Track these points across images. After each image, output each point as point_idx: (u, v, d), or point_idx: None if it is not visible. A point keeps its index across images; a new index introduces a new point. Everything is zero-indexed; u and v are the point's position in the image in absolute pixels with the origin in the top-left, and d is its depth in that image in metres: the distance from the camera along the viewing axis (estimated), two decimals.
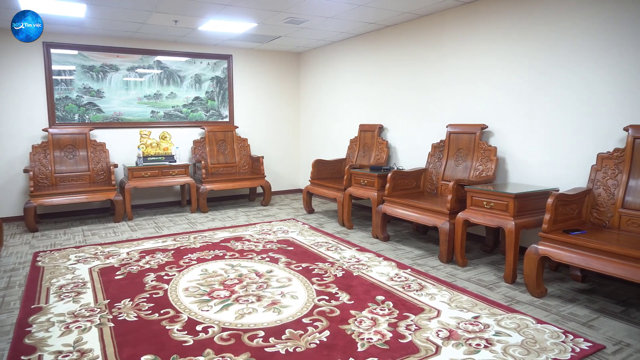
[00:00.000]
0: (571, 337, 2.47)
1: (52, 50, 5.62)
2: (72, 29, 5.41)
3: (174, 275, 3.54)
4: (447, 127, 4.55)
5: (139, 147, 5.89)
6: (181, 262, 3.85)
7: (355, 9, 4.59)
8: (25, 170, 5.12)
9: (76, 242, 4.58)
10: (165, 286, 3.30)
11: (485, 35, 4.24)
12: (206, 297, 3.08)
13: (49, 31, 5.43)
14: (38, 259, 4.00)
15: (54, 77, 5.67)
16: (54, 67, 5.66)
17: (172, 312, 2.84)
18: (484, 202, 3.51)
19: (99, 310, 2.89)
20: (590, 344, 2.39)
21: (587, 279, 3.38)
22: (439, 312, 2.81)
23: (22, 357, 2.31)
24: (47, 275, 3.55)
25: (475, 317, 2.73)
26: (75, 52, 5.77)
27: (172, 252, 4.17)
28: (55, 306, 2.96)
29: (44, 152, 5.52)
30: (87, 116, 5.92)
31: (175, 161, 6.01)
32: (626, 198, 3.07)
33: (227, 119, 6.96)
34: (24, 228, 5.22)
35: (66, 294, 3.16)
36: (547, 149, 3.77)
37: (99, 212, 6.07)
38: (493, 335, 2.50)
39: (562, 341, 2.42)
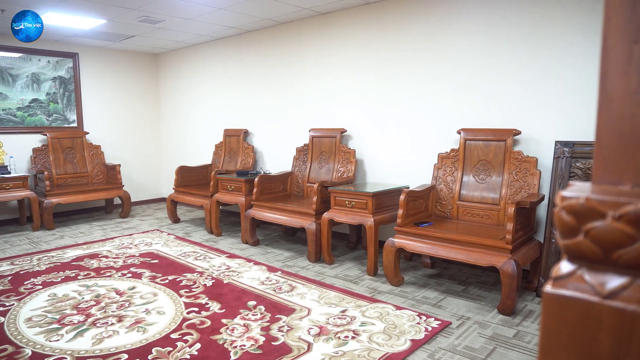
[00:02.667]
0: (424, 318, 2.77)
1: None
2: None
3: (12, 304, 3.05)
4: (309, 131, 4.73)
5: None
6: (22, 289, 3.34)
7: (215, 11, 4.51)
8: None
9: None
10: (1, 319, 2.82)
11: (340, 44, 4.52)
12: (55, 325, 2.72)
13: None
14: None
15: None
16: None
17: (10, 349, 2.45)
18: (346, 202, 3.74)
19: None
20: (439, 322, 2.71)
21: (436, 265, 3.83)
22: (309, 310, 2.91)
23: None
24: None
25: (343, 311, 2.88)
26: None
27: (10, 277, 3.59)
28: None
29: None
30: None
31: (9, 173, 5.19)
32: (462, 192, 3.55)
33: (74, 124, 6.24)
34: None
35: None
36: (398, 150, 4.18)
37: None
38: (359, 326, 2.67)
39: (417, 323, 2.70)
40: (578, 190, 0.51)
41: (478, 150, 3.52)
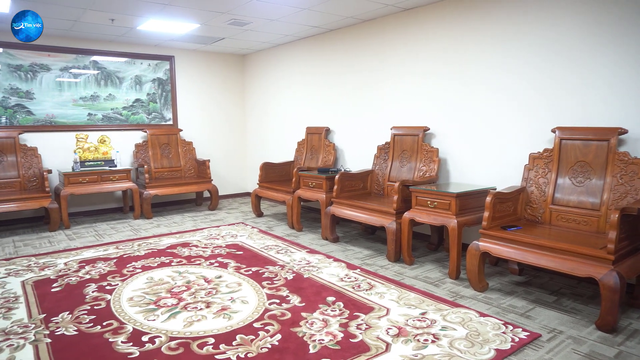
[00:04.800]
0: (511, 327, 2.62)
1: None
2: None
3: (117, 285, 3.38)
4: (391, 129, 4.67)
5: (75, 152, 5.57)
6: (125, 271, 3.69)
7: (299, 12, 4.61)
8: None
9: (6, 254, 4.26)
10: (108, 297, 3.14)
11: (426, 40, 4.40)
12: (152, 306, 2.97)
13: None
14: None
15: None
16: None
17: (115, 324, 2.71)
18: (428, 202, 3.64)
19: (33, 326, 2.71)
20: (527, 333, 2.55)
21: (524, 272, 3.60)
22: (388, 310, 2.88)
23: None
24: None
25: (423, 313, 2.82)
26: (0, 49, 5.37)
27: (115, 260, 3.98)
28: None
29: None
30: (15, 119, 5.53)
31: (115, 166, 5.74)
32: (555, 195, 3.30)
33: (170, 122, 6.75)
34: None
35: None
36: (485, 149, 3.98)
37: (31, 221, 5.68)
38: (440, 330, 2.60)
39: (503, 332, 2.56)
40: None
41: (576, 150, 3.24)
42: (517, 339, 2.47)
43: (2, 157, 5.29)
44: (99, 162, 5.63)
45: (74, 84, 5.89)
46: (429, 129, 4.38)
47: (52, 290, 3.29)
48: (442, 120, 4.32)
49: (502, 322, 2.69)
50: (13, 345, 2.47)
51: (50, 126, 5.76)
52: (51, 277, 3.56)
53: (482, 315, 2.79)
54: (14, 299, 3.13)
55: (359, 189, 4.66)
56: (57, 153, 5.78)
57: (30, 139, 5.61)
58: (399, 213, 3.86)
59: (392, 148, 4.63)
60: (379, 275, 3.56)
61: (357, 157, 5.35)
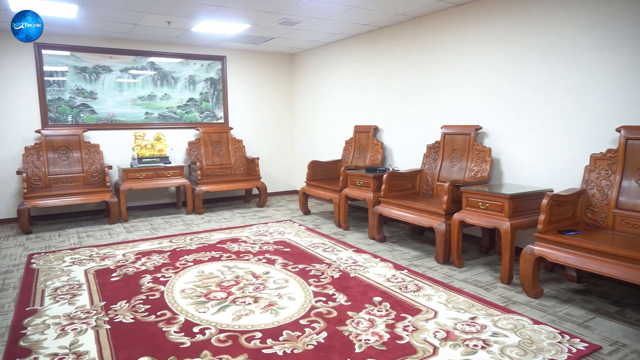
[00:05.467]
0: (567, 337, 2.49)
1: (44, 51, 5.58)
2: (63, 30, 5.37)
3: (170, 276, 3.52)
4: (441, 128, 4.57)
5: (133, 149, 5.86)
6: (177, 264, 3.84)
7: (349, 10, 4.60)
8: (19, 172, 5.08)
9: (71, 244, 4.55)
10: (162, 288, 3.28)
11: (478, 37, 4.26)
12: (203, 299, 3.07)
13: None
14: (32, 261, 3.97)
15: (45, 79, 5.63)
16: (46, 68, 5.61)
17: (168, 314, 2.83)
18: (480, 203, 3.53)
19: (95, 312, 2.87)
20: (586, 345, 2.41)
21: (583, 279, 3.41)
22: (436, 313, 2.82)
23: None
24: (42, 278, 3.52)
25: (472, 318, 2.74)
26: (67, 53, 5.73)
27: (168, 253, 4.15)
28: (51, 308, 2.93)
29: (37, 153, 5.47)
30: (80, 117, 5.88)
31: (170, 162, 5.98)
32: (620, 198, 3.10)
33: (221, 120, 6.94)
34: (17, 230, 5.18)
35: (61, 296, 3.14)
36: (541, 149, 3.80)
37: (93, 213, 6.03)
38: (490, 336, 2.51)
39: (559, 342, 2.44)
40: None
41: None
42: (574, 350, 2.35)
43: (68, 153, 5.65)
44: (154, 159, 5.88)
45: (132, 84, 6.19)
46: (481, 128, 4.24)
47: (112, 279, 3.48)
48: (496, 118, 4.17)
49: (558, 331, 2.56)
50: (77, 329, 2.63)
51: (111, 124, 6.09)
52: (111, 267, 3.76)
53: (536, 322, 2.67)
54: (77, 286, 3.34)
55: (407, 188, 4.59)
56: (116, 150, 6.11)
57: (93, 137, 5.96)
58: (449, 214, 3.77)
59: (442, 147, 4.53)
60: (426, 277, 3.49)
61: (405, 157, 5.27)
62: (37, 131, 5.53)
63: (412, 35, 5.03)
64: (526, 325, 2.63)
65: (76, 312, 2.88)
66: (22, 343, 2.47)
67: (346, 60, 6.19)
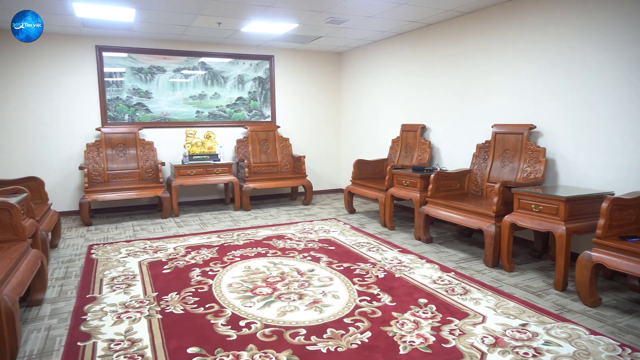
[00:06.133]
0: (629, 350, 2.34)
1: (104, 54, 5.90)
2: (122, 33, 5.65)
3: (218, 271, 3.63)
4: (492, 127, 4.42)
5: (184, 146, 6.07)
6: (225, 259, 3.94)
7: (397, 7, 4.54)
8: (81, 168, 5.40)
9: (126, 237, 4.79)
10: (210, 281, 3.39)
11: (533, 32, 4.08)
12: (249, 294, 3.14)
13: (101, 35, 5.70)
14: (92, 251, 4.21)
15: (105, 79, 5.95)
16: (106, 70, 5.93)
17: (216, 307, 2.92)
18: (533, 205, 3.38)
19: (147, 302, 3.01)
20: None
21: None
22: (484, 317, 2.74)
23: (79, 343, 2.44)
24: (100, 267, 3.73)
25: (523, 325, 2.63)
26: (125, 54, 6.02)
27: (217, 248, 4.27)
28: (108, 296, 3.10)
29: (97, 150, 5.79)
30: (136, 116, 6.17)
31: (219, 160, 6.15)
32: None
33: (269, 119, 7.06)
34: (79, 222, 5.51)
35: (117, 286, 3.31)
36: (603, 150, 3.59)
37: (147, 208, 6.31)
38: (542, 344, 2.41)
39: (619, 354, 2.30)
40: None
41: None
42: None
43: (125, 150, 5.94)
44: (204, 156, 6.07)
45: (184, 83, 6.41)
46: (534, 127, 4.06)
47: (164, 271, 3.62)
48: (551, 117, 3.98)
49: (618, 343, 2.41)
50: (131, 317, 2.76)
51: (164, 123, 6.34)
52: (162, 260, 3.92)
53: (593, 333, 2.53)
54: (132, 276, 3.51)
55: (455, 189, 4.48)
56: (169, 147, 6.36)
57: (147, 134, 6.23)
58: (499, 216, 3.64)
59: (493, 147, 4.38)
60: (474, 280, 3.39)
61: (453, 156, 5.14)
62: (98, 129, 5.86)
63: (463, 31, 4.89)
64: (582, 335, 2.50)
65: (131, 301, 3.03)
66: (82, 328, 2.63)
67: (393, 58, 6.11)
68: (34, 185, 4.30)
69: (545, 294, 3.15)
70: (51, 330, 2.64)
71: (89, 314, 2.82)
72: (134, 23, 5.11)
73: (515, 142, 4.17)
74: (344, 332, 2.56)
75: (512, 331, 2.55)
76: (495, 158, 4.34)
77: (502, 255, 3.60)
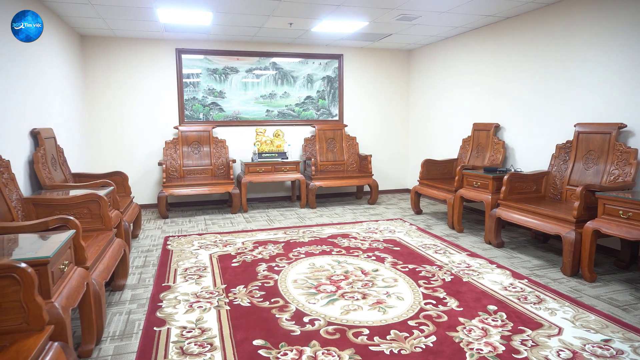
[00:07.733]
0: None
1: (183, 56, 6.24)
2: (199, 36, 5.94)
3: (284, 266, 3.71)
4: (575, 126, 4.11)
5: (254, 144, 6.27)
6: (290, 255, 4.02)
7: (472, 1, 4.36)
8: (160, 163, 5.76)
9: (199, 230, 5.04)
10: (276, 276, 3.47)
11: (622, 24, 3.73)
12: (313, 290, 3.17)
13: (180, 38, 6.04)
14: (168, 243, 4.48)
15: (183, 80, 6.29)
16: (184, 71, 6.27)
17: (281, 302, 2.98)
18: (620, 211, 3.11)
19: (217, 293, 3.15)
20: None
21: None
22: (560, 329, 2.56)
23: (155, 328, 2.61)
24: (175, 258, 3.96)
25: (606, 341, 2.43)
26: (202, 56, 6.33)
27: (283, 244, 4.37)
28: (181, 286, 3.29)
29: (174, 147, 6.15)
30: (210, 115, 6.47)
31: (287, 158, 6.28)
32: None
33: (336, 118, 7.09)
34: (157, 214, 5.88)
35: (190, 276, 3.49)
36: None
37: (218, 203, 6.60)
38: None
39: None
40: None
41: None
42: None
43: (199, 147, 6.25)
44: (273, 154, 6.23)
45: (256, 83, 6.62)
46: (625, 126, 3.72)
47: (232, 265, 3.77)
48: None
49: None
50: (202, 307, 2.91)
51: (236, 121, 6.59)
52: (231, 254, 4.08)
53: None
54: (203, 268, 3.69)
55: (530, 191, 4.23)
56: (240, 145, 6.60)
57: (220, 132, 6.52)
58: (580, 222, 3.38)
59: (575, 147, 4.07)
60: (550, 289, 3.18)
61: (529, 157, 4.85)
62: (175, 127, 6.22)
63: (542, 25, 4.59)
64: None
65: (202, 291, 3.18)
66: (158, 314, 2.81)
67: (466, 54, 5.88)
68: (119, 179, 4.66)
69: (633, 308, 2.88)
70: (131, 315, 2.84)
71: (164, 302, 3.00)
72: (211, 26, 5.35)
73: (601, 142, 3.85)
74: (408, 335, 2.51)
75: (593, 346, 2.36)
76: (578, 159, 4.04)
77: (583, 264, 3.34)
